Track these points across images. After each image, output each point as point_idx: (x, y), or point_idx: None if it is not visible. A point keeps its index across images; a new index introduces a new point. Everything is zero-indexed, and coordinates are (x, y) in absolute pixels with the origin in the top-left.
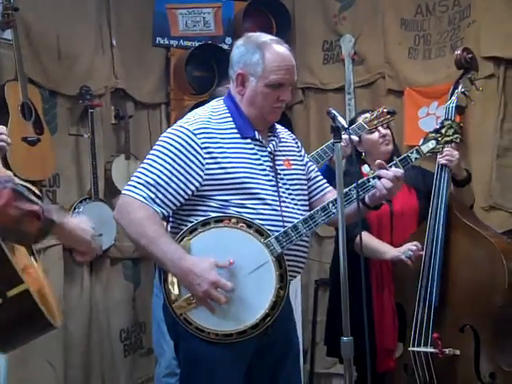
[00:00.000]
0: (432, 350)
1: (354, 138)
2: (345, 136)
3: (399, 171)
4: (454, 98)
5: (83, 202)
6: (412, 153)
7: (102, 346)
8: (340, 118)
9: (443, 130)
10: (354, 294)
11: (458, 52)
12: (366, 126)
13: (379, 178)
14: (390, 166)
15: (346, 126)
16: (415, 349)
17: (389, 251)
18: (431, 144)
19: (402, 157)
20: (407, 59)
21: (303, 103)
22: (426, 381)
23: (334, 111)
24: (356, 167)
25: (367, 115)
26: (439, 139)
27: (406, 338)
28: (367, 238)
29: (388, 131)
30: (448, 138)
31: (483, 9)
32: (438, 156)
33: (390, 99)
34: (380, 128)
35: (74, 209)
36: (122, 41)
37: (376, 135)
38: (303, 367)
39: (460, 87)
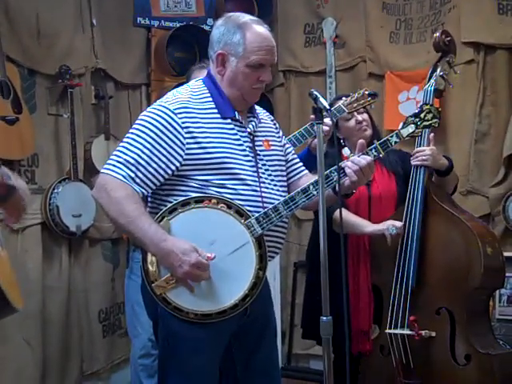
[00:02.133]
0: (408, 332)
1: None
2: (326, 120)
3: (367, 158)
4: (432, 81)
5: (62, 182)
6: (392, 137)
7: (80, 327)
8: (322, 100)
9: (422, 115)
10: (330, 274)
11: (437, 35)
12: (345, 108)
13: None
14: (371, 150)
15: (328, 108)
16: (391, 331)
17: (369, 225)
18: (410, 128)
19: (381, 140)
20: (388, 43)
21: (284, 86)
22: (402, 362)
23: (315, 92)
24: (336, 149)
25: (348, 98)
26: (418, 123)
27: (382, 320)
28: (345, 213)
29: (365, 116)
30: (427, 123)
31: None
32: (412, 158)
33: (370, 83)
34: (356, 114)
35: (53, 189)
36: (102, 20)
37: (353, 122)
38: (281, 348)
39: (438, 70)
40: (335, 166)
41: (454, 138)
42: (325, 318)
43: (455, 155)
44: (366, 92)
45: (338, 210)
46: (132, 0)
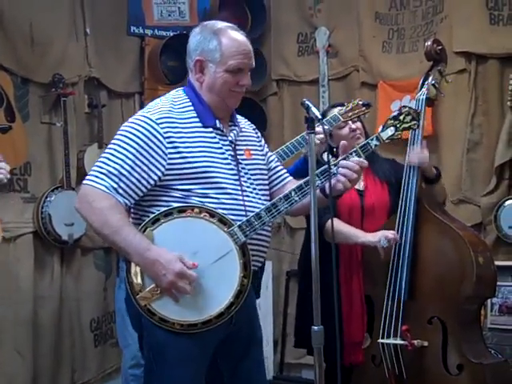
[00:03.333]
0: (401, 341)
1: (326, 128)
2: (319, 129)
3: (364, 162)
4: (423, 89)
5: (55, 190)
6: (372, 140)
7: (72, 336)
8: (314, 109)
9: (401, 117)
10: (323, 284)
11: (428, 44)
12: (340, 117)
13: (342, 167)
14: (351, 154)
15: (320, 117)
16: (384, 341)
17: (362, 235)
18: (390, 131)
19: (361, 144)
20: (381, 53)
21: (277, 95)
22: (395, 372)
23: (307, 102)
24: (329, 161)
25: (342, 108)
26: (398, 126)
27: (374, 330)
28: (338, 223)
29: (359, 124)
30: (406, 125)
31: (455, 4)
32: (407, 157)
33: (363, 92)
34: (350, 122)
35: (46, 197)
36: (96, 29)
37: (346, 130)
38: (273, 358)
39: (430, 79)
40: (320, 168)
41: (446, 148)
42: (316, 327)
43: (447, 164)
44: (360, 102)
45: (330, 220)
46: (126, 9)
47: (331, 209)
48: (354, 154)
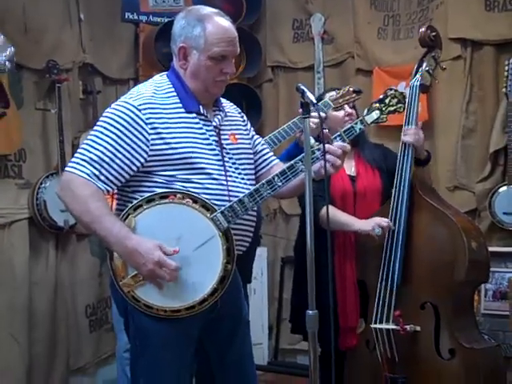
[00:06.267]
0: (393, 326)
1: (322, 114)
2: (314, 114)
3: (346, 146)
4: (417, 76)
5: (50, 177)
6: (356, 123)
7: (67, 321)
8: (309, 94)
9: (387, 100)
10: (317, 270)
11: (422, 30)
12: (331, 103)
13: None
14: (336, 138)
15: (315, 102)
16: (377, 326)
17: (356, 223)
18: (375, 114)
19: (346, 128)
20: (376, 39)
21: (273, 82)
22: (388, 357)
23: (302, 86)
24: (324, 143)
25: (333, 93)
26: (383, 109)
27: (368, 315)
28: (333, 210)
29: (353, 111)
30: (391, 108)
31: None
32: (402, 134)
33: (358, 79)
34: (346, 106)
35: (41, 184)
36: (90, 15)
37: (342, 113)
38: (268, 343)
39: (424, 65)
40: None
41: (441, 134)
42: (310, 311)
43: (442, 151)
44: (351, 89)
45: (325, 207)
46: None
47: (327, 197)
48: (338, 138)
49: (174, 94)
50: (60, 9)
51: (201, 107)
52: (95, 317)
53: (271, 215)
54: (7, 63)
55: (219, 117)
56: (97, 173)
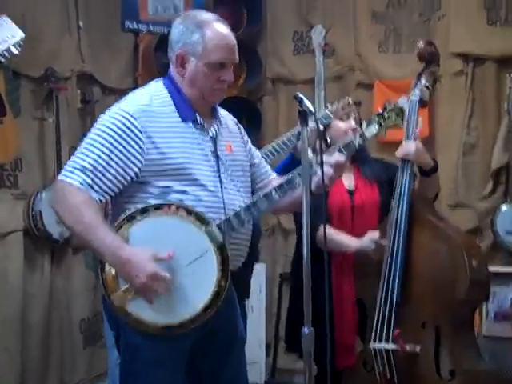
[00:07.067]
0: (393, 346)
1: (320, 127)
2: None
3: (342, 158)
4: (416, 91)
5: (46, 188)
6: (355, 138)
7: (61, 336)
8: (307, 102)
9: (385, 114)
10: (315, 287)
11: (421, 45)
12: (331, 115)
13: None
14: (333, 151)
15: (313, 111)
16: (376, 345)
17: (352, 243)
18: (374, 128)
19: (345, 142)
20: (377, 52)
21: (273, 94)
22: (386, 377)
23: (301, 95)
24: (321, 157)
25: (332, 106)
26: (382, 123)
27: (366, 334)
28: (329, 231)
29: (358, 128)
30: (390, 123)
31: (453, 3)
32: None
33: (359, 92)
34: (352, 121)
35: (37, 194)
36: (89, 23)
37: (345, 125)
38: (265, 362)
39: (423, 80)
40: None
41: (443, 150)
42: (306, 329)
43: (443, 167)
44: (351, 100)
45: (322, 227)
46: (120, 4)
47: (323, 215)
48: (336, 152)
49: (171, 101)
50: (59, 16)
51: (197, 116)
52: (89, 332)
53: (270, 230)
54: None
55: (216, 126)
56: (90, 182)
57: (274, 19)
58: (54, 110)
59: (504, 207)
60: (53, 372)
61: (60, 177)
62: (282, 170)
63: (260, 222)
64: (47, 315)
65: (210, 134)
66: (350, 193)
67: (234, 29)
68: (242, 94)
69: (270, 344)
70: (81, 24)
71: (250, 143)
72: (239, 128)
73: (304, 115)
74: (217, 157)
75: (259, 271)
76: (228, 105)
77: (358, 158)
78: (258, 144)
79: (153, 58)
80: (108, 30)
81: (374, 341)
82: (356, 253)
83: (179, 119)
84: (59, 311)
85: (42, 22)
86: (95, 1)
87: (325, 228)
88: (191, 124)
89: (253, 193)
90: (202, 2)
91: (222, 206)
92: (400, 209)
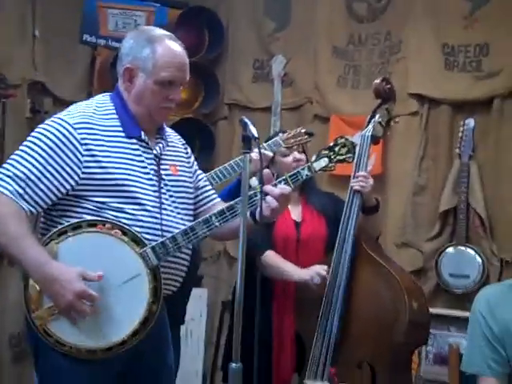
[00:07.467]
0: None
1: (268, 153)
2: (256, 150)
3: (286, 189)
4: (370, 126)
5: None
6: (303, 169)
7: None
8: (251, 127)
9: (336, 149)
10: (252, 318)
11: (377, 81)
12: (282, 143)
13: (266, 194)
14: (280, 182)
15: (257, 136)
16: (311, 382)
17: (296, 272)
18: (323, 162)
19: (292, 172)
20: (336, 87)
21: (228, 119)
22: None
23: (246, 119)
24: (262, 183)
25: (283, 134)
26: (332, 157)
27: (303, 369)
28: (274, 257)
29: (303, 156)
30: (341, 157)
31: (413, 46)
32: (351, 181)
33: (315, 124)
34: (295, 153)
35: None
36: (46, 33)
37: (290, 159)
38: None
39: (377, 117)
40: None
41: (394, 188)
42: (234, 364)
43: (393, 206)
44: (303, 130)
45: (267, 253)
46: (80, 16)
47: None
48: (282, 182)
49: (115, 116)
50: (15, 23)
51: (142, 133)
52: (19, 348)
53: (215, 256)
54: None
55: (161, 145)
56: (21, 191)
57: (235, 45)
58: (0, 117)
59: (449, 249)
60: None
61: None
62: (227, 195)
63: (200, 247)
64: None
65: (155, 152)
66: (297, 224)
67: (194, 51)
68: (198, 116)
69: (207, 373)
70: (36, 33)
71: (196, 166)
72: (186, 148)
73: (247, 140)
74: (159, 176)
75: (201, 297)
76: (182, 126)
77: (306, 189)
78: (210, 168)
79: (109, 74)
80: (65, 41)
81: (309, 378)
82: (297, 286)
83: (123, 134)
84: None
85: None
86: (54, 11)
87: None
88: (135, 141)
89: (195, 216)
90: (164, 22)
91: (159, 227)
92: (345, 241)
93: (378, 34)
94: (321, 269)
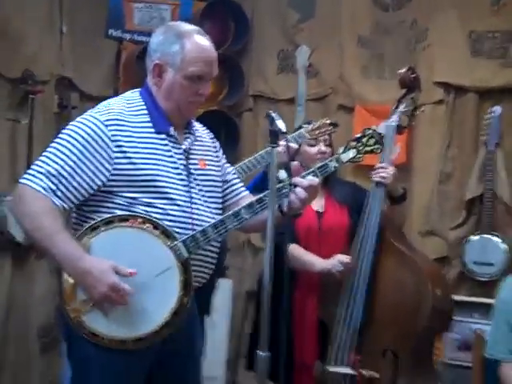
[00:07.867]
0: (350, 371)
1: (294, 145)
2: (283, 143)
3: (315, 180)
4: (395, 116)
5: (14, 190)
6: (331, 161)
7: (18, 342)
8: (278, 122)
9: (364, 140)
10: (276, 306)
11: (402, 71)
12: (306, 134)
13: (294, 185)
14: (308, 174)
15: (284, 130)
16: (333, 369)
17: (318, 263)
18: (352, 153)
19: (320, 164)
20: (360, 76)
21: (253, 111)
22: None
23: (273, 114)
24: (290, 176)
25: (308, 125)
26: (360, 148)
27: (327, 357)
28: (297, 249)
29: (328, 149)
30: (368, 148)
31: (440, 34)
32: (372, 173)
33: (340, 115)
34: (322, 144)
35: (4, 196)
36: (73, 28)
37: (315, 149)
38: (225, 377)
39: (402, 106)
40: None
41: (419, 177)
42: (262, 352)
43: (418, 194)
44: (328, 121)
45: (291, 246)
46: (105, 11)
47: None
48: (311, 174)
49: (145, 112)
50: (42, 19)
51: (171, 128)
52: (48, 339)
53: (239, 247)
54: None
55: (189, 140)
56: (53, 187)
57: (259, 36)
58: (29, 113)
59: (474, 237)
60: (6, 378)
61: (21, 180)
62: (253, 188)
63: (226, 239)
64: (5, 320)
65: (184, 147)
66: (319, 215)
67: (219, 43)
68: (222, 108)
69: (231, 361)
70: (64, 29)
71: (224, 159)
72: (214, 142)
73: (274, 134)
74: (188, 171)
75: (225, 287)
76: (207, 119)
77: (328, 180)
78: (236, 160)
79: (134, 68)
80: (91, 36)
81: (332, 364)
82: (322, 274)
83: (152, 130)
84: (17, 316)
85: (25, 24)
86: (81, 7)
87: (286, 245)
88: (164, 136)
89: (224, 210)
90: (189, 15)
91: (189, 221)
92: (369, 231)
93: (403, 23)
94: (343, 257)
